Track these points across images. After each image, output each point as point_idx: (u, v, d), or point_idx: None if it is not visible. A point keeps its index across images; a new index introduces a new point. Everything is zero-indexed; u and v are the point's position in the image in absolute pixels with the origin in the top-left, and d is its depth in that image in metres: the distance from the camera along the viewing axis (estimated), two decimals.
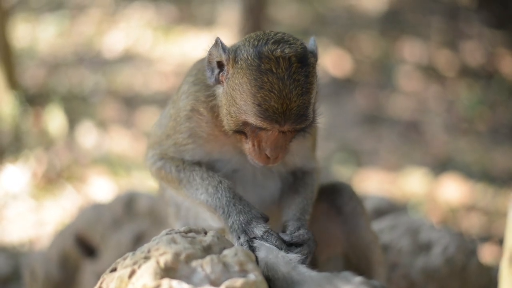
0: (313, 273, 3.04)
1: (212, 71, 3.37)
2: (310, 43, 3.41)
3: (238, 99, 3.20)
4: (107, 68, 10.76)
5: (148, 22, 11.89)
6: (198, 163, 3.54)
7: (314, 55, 3.35)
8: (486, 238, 7.74)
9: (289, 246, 3.24)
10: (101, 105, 9.87)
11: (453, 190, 8.64)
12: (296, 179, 3.70)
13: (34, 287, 5.29)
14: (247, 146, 3.32)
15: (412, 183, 8.78)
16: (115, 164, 8.56)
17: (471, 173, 9.04)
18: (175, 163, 3.58)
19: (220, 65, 3.33)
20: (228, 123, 3.32)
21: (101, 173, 8.35)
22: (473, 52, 11.90)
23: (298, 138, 3.41)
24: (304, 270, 3.07)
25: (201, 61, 3.59)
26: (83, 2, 12.30)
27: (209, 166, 3.56)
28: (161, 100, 10.06)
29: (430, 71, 11.30)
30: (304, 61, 3.18)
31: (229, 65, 3.27)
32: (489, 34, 12.29)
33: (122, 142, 9.09)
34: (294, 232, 3.32)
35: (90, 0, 12.35)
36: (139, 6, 12.19)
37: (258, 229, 3.24)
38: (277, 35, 3.25)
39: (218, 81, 3.35)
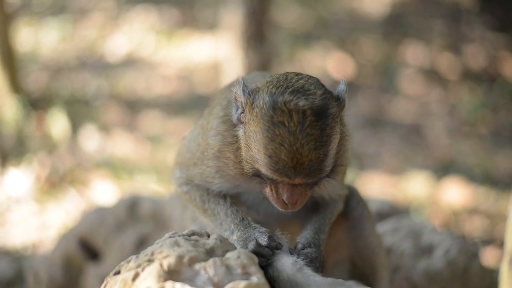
0: (318, 277, 3.04)
1: (237, 109, 3.29)
2: (339, 87, 3.30)
3: (252, 147, 3.15)
4: (109, 72, 10.79)
5: (151, 26, 11.91)
6: (223, 195, 3.52)
7: (341, 102, 3.24)
8: (489, 241, 7.75)
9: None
10: (104, 108, 9.90)
11: (455, 193, 8.65)
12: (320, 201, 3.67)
13: None
14: (266, 190, 3.26)
15: (415, 186, 8.79)
16: (118, 167, 8.58)
17: (473, 176, 9.04)
18: (200, 193, 3.56)
19: (243, 105, 3.25)
20: (245, 167, 3.27)
21: (104, 177, 8.37)
22: (475, 55, 11.90)
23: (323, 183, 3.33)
24: (309, 273, 3.07)
25: (230, 88, 3.46)
26: (86, 6, 12.33)
27: (233, 196, 3.54)
28: (164, 104, 10.09)
29: (432, 75, 11.31)
30: (322, 114, 3.04)
31: (247, 109, 3.19)
32: (491, 37, 12.29)
33: (125, 145, 9.11)
34: (303, 249, 3.31)
35: (92, 4, 12.38)
36: (141, 10, 12.21)
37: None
38: (299, 82, 3.13)
39: (240, 121, 3.27)
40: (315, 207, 3.65)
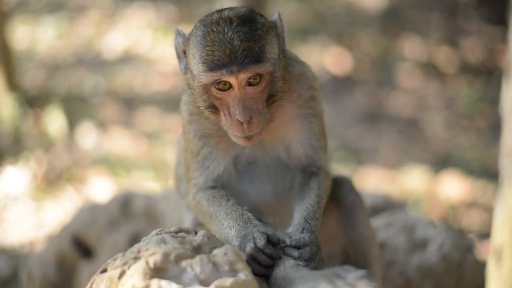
0: (311, 271, 3.04)
1: (182, 61, 3.50)
2: (274, 15, 3.52)
3: (193, 68, 3.33)
4: (106, 69, 10.77)
5: (148, 22, 11.89)
6: (227, 197, 3.54)
7: (273, 24, 3.44)
8: (487, 234, 7.72)
9: (290, 248, 3.21)
10: (101, 106, 9.89)
11: (453, 187, 8.63)
12: (304, 184, 3.67)
13: None
14: (224, 120, 3.37)
15: (412, 180, 8.78)
16: (115, 164, 8.57)
17: (471, 169, 9.02)
18: (207, 197, 3.59)
19: (185, 53, 3.48)
20: (198, 103, 3.42)
21: (101, 174, 8.36)
22: (473, 49, 11.88)
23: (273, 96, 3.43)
24: (303, 268, 3.07)
25: None
26: (83, 3, 12.32)
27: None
28: (161, 101, 10.07)
29: (430, 68, 11.29)
30: (248, 19, 3.28)
31: (186, 46, 3.42)
32: (488, 31, 12.27)
33: (122, 142, 9.10)
34: (296, 236, 3.27)
35: (89, 1, 12.36)
36: (138, 7, 12.20)
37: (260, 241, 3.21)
38: (225, 8, 3.41)
39: (186, 70, 3.47)
40: (301, 190, 3.64)
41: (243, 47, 3.20)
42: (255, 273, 3.10)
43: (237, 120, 3.28)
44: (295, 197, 3.66)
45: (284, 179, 3.72)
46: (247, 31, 3.24)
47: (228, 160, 3.60)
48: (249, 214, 3.39)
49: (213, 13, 3.35)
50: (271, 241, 3.20)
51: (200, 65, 3.25)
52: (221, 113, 3.36)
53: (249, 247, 3.15)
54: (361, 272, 2.87)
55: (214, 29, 3.24)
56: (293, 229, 3.34)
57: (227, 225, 3.40)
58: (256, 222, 3.33)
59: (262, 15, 3.42)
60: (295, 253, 3.18)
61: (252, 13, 3.34)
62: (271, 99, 3.38)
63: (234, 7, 3.39)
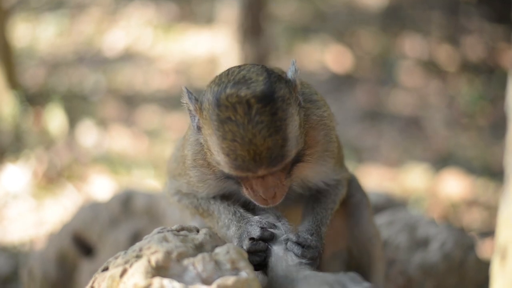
0: (313, 272, 3.03)
1: (193, 118, 3.25)
2: (289, 68, 3.23)
3: (212, 150, 3.08)
4: (107, 66, 10.77)
5: (149, 20, 11.89)
6: (213, 198, 3.48)
7: (291, 83, 3.15)
8: (488, 233, 7.72)
9: (294, 244, 3.19)
10: (102, 103, 9.88)
11: (454, 185, 8.63)
12: (321, 189, 3.59)
13: (32, 287, 5.29)
14: (246, 193, 3.20)
15: (413, 179, 8.77)
16: (115, 162, 8.57)
17: (472, 168, 9.02)
18: (190, 200, 3.54)
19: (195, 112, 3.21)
20: (216, 171, 3.22)
21: (102, 172, 8.36)
22: (473, 47, 11.87)
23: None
24: (305, 268, 3.07)
25: None
26: (83, 1, 12.31)
27: (223, 196, 3.50)
28: (161, 98, 10.07)
29: (430, 67, 11.28)
30: (267, 99, 2.95)
31: (198, 114, 3.15)
32: (489, 29, 12.26)
33: (122, 140, 9.10)
34: (304, 235, 3.24)
35: None
36: (139, 5, 12.19)
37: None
38: (240, 74, 3.06)
39: (199, 129, 3.21)
40: (315, 194, 3.58)
41: (266, 145, 2.92)
42: (253, 265, 3.11)
43: (260, 196, 3.14)
44: (308, 198, 3.60)
45: (291, 206, 3.61)
46: (268, 120, 2.92)
47: (223, 192, 3.50)
48: (241, 210, 3.35)
49: (226, 85, 3.01)
50: (264, 228, 3.19)
51: (222, 156, 3.00)
52: (242, 186, 3.18)
53: (245, 245, 3.16)
54: (366, 284, 2.85)
55: (232, 118, 2.92)
56: (303, 229, 3.33)
57: (222, 224, 3.37)
58: (249, 217, 3.29)
59: (279, 79, 3.10)
60: (299, 250, 3.16)
61: (270, 86, 3.00)
62: (293, 165, 3.19)
63: (250, 78, 3.03)
